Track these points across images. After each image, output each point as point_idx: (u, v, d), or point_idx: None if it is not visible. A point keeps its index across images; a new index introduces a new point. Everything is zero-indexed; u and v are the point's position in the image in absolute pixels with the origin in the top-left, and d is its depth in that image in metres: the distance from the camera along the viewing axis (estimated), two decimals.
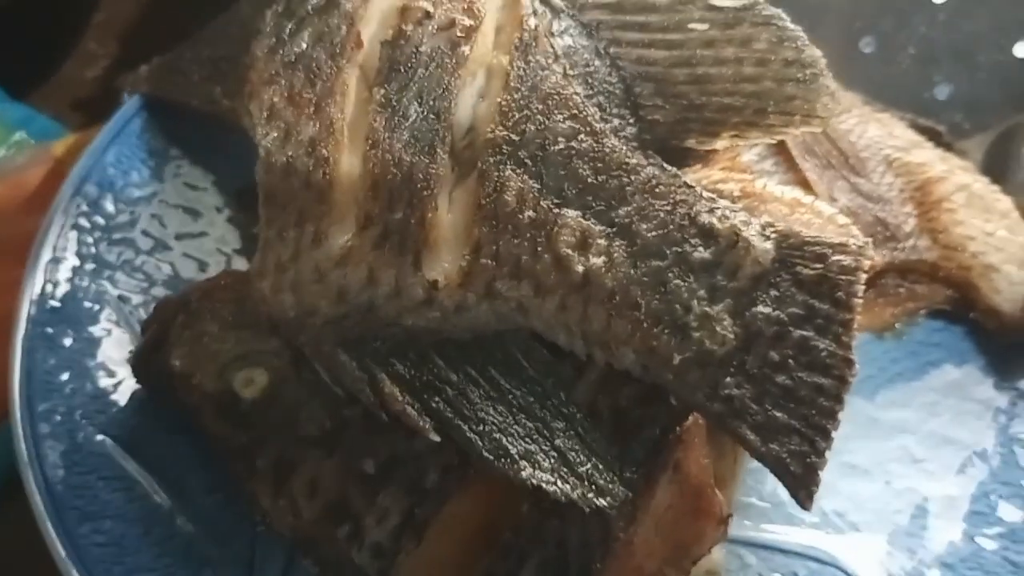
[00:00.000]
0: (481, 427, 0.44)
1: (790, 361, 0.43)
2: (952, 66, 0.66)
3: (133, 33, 0.81)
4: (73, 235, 0.58)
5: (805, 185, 0.56)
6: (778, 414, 0.42)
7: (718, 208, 0.44)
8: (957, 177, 0.60)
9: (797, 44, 0.46)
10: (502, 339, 0.45)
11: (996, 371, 0.58)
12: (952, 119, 0.64)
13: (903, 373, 0.58)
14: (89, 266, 0.58)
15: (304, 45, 0.47)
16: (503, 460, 0.43)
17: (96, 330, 0.56)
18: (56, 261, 0.58)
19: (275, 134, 0.47)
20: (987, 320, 0.58)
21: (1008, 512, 0.54)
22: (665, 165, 0.45)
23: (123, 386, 0.55)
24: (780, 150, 0.56)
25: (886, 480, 0.55)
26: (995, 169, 0.62)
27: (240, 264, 0.60)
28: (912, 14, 0.67)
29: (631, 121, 0.46)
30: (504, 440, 0.44)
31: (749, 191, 0.48)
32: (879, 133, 0.60)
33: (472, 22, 0.46)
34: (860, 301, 0.43)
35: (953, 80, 0.66)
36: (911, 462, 0.55)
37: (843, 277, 0.43)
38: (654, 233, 0.44)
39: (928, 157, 0.60)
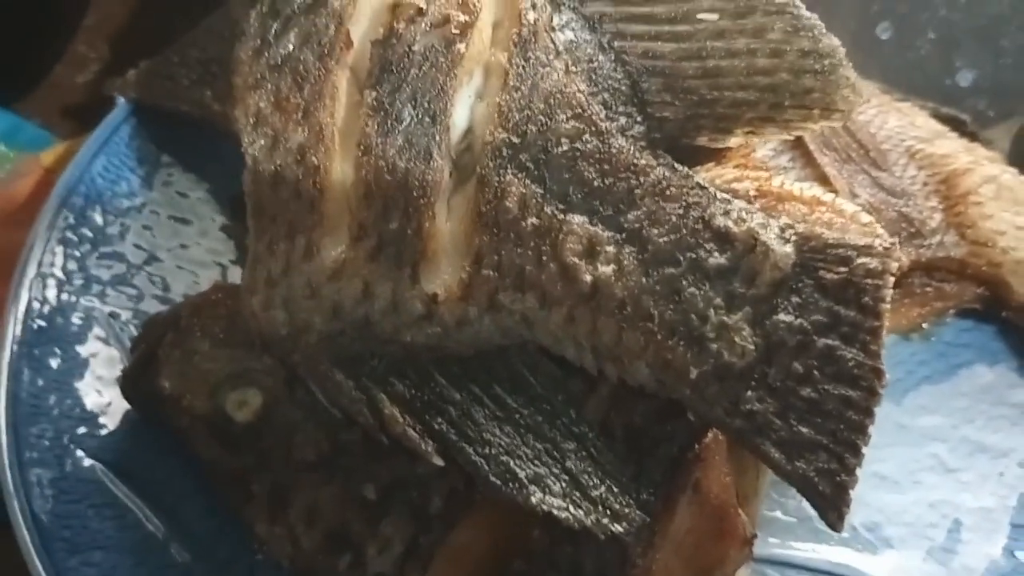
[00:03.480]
0: (487, 449, 0.41)
1: (815, 372, 0.40)
2: (974, 51, 0.63)
3: (125, 35, 0.79)
4: (60, 249, 0.56)
5: (824, 181, 0.53)
6: (804, 429, 0.40)
7: (733, 210, 0.41)
8: (984, 168, 0.57)
9: (813, 33, 0.43)
10: (507, 354, 0.43)
11: None
12: (976, 106, 0.61)
13: (932, 376, 0.55)
14: (77, 281, 0.56)
15: (290, 47, 0.45)
16: (511, 485, 0.41)
17: (84, 349, 0.54)
18: (42, 277, 0.55)
19: (262, 142, 0.44)
20: (1020, 318, 0.55)
21: None
22: (676, 165, 0.42)
23: (113, 407, 0.53)
24: (797, 144, 0.53)
25: (918, 491, 0.52)
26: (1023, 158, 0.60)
27: (235, 275, 0.58)
28: None
29: (638, 119, 0.43)
30: (512, 463, 0.41)
31: (765, 190, 0.45)
32: (900, 124, 0.58)
33: (468, 18, 0.43)
34: (888, 307, 0.40)
35: (976, 65, 0.63)
36: (944, 472, 0.52)
37: (869, 281, 0.40)
38: (666, 238, 0.41)
39: (952, 148, 0.57)
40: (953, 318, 0.56)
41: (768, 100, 0.43)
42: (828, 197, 0.46)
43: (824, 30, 0.43)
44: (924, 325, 0.56)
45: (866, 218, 0.45)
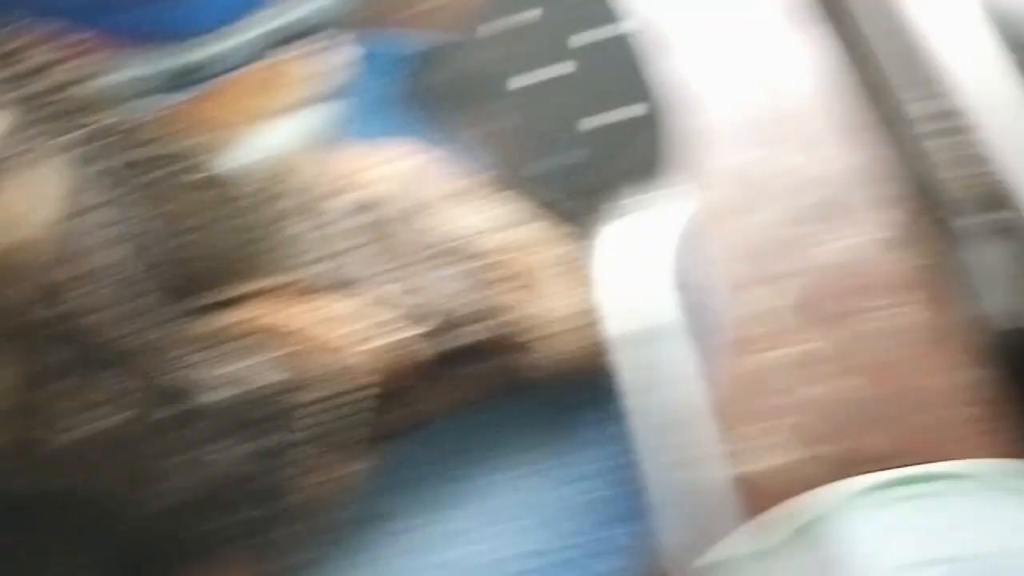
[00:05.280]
0: None
1: None
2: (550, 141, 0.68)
3: None
4: None
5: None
6: None
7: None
8: (539, 252, 0.61)
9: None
10: None
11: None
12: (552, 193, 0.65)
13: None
14: None
15: None
16: None
17: None
18: None
19: None
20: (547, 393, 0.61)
21: None
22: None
23: None
24: None
25: None
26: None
27: None
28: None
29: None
30: None
31: (270, 325, 0.54)
32: (467, 218, 0.61)
33: None
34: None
35: (552, 154, 0.67)
36: None
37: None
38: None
39: (519, 235, 0.61)
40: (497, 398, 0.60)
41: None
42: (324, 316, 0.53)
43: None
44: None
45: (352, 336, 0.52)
